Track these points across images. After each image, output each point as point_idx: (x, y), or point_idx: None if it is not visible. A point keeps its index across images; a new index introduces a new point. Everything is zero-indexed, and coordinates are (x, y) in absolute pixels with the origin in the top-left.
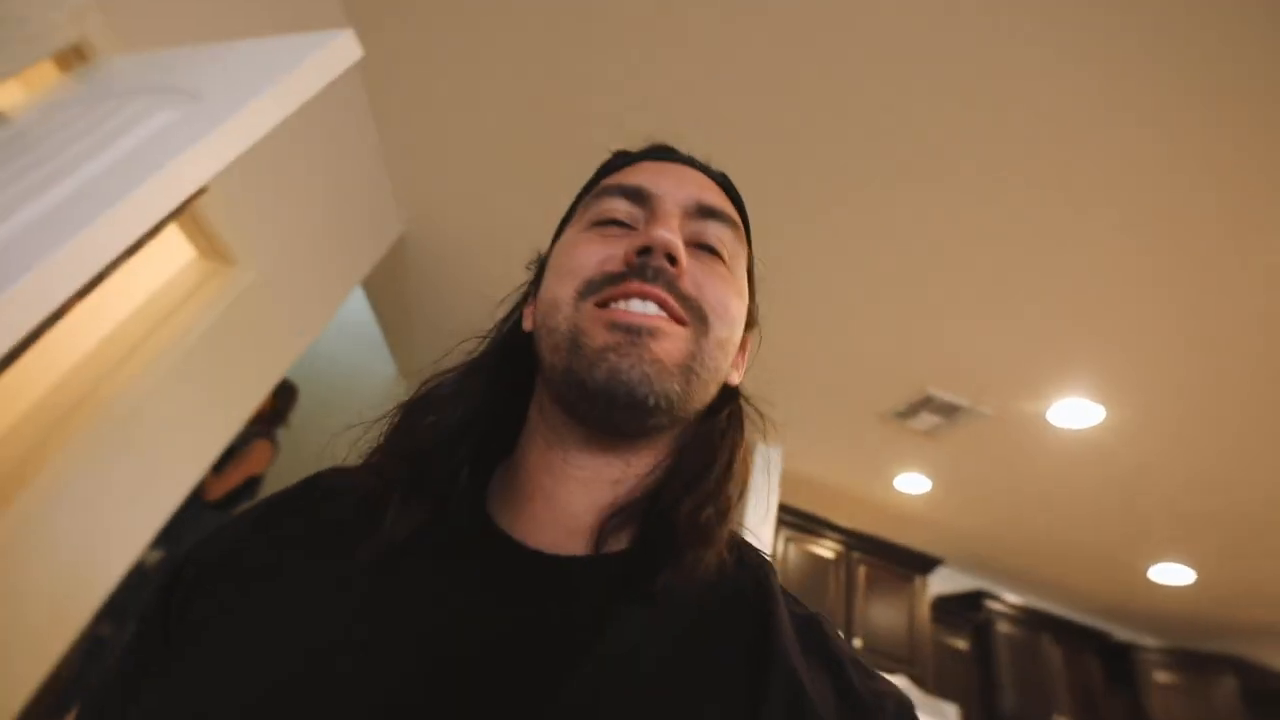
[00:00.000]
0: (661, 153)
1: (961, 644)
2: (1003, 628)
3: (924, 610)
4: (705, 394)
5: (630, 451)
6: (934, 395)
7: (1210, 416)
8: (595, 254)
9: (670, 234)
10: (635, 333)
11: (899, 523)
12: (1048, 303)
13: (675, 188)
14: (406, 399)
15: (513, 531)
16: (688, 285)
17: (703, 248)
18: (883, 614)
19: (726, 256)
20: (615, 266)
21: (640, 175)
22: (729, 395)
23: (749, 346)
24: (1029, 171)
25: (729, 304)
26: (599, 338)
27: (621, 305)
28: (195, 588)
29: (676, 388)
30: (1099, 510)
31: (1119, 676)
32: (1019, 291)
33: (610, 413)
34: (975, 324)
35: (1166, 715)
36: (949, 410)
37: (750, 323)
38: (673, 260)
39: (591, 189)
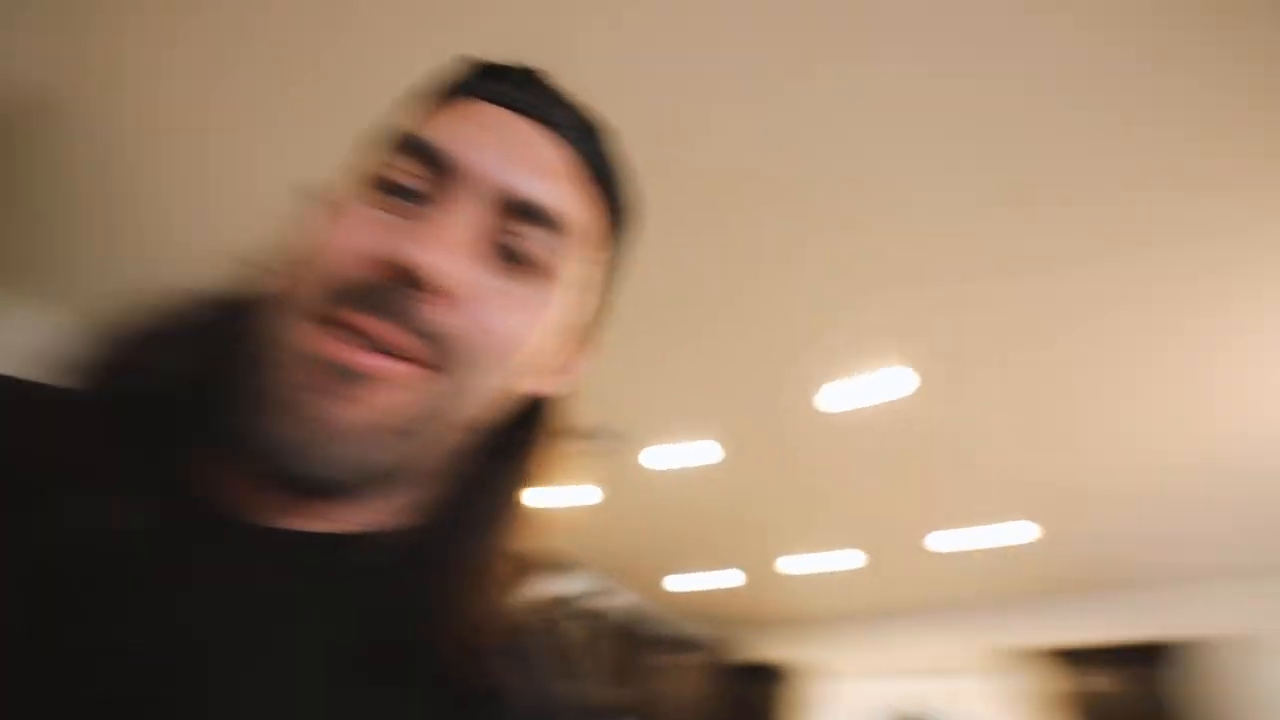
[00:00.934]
0: (515, 90)
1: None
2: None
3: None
4: (443, 444)
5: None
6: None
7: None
8: (351, 240)
9: (441, 256)
10: (342, 377)
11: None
12: None
13: (496, 164)
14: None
15: None
16: (453, 281)
17: (509, 255)
18: None
19: (539, 270)
20: (362, 272)
21: (458, 130)
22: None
23: (575, 364)
24: None
25: (512, 340)
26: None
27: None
28: None
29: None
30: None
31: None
32: None
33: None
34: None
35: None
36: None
37: (585, 339)
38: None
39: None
